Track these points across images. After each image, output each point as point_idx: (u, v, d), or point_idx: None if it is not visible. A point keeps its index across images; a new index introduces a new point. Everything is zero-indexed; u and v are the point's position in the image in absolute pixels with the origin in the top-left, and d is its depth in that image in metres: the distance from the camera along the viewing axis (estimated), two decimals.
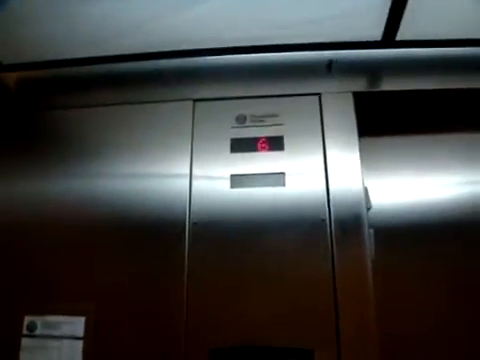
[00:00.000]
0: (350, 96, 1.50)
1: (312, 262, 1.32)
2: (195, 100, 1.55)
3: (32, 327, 1.34)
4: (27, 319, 1.35)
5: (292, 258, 1.32)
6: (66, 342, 1.32)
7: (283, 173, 1.42)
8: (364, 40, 1.53)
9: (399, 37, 1.50)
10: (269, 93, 1.54)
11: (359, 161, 1.42)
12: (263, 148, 1.46)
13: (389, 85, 1.55)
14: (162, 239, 1.38)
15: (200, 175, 1.44)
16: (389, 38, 1.50)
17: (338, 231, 1.34)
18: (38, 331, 1.34)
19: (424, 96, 1.56)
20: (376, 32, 1.49)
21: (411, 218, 1.58)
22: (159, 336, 1.29)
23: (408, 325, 1.46)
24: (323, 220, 1.35)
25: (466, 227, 1.57)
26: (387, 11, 1.40)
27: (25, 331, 1.34)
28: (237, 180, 1.42)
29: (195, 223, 1.38)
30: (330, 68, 1.57)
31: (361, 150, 1.43)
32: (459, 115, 1.66)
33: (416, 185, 1.64)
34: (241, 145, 1.47)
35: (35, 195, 1.50)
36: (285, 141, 1.46)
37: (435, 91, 1.52)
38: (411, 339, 1.45)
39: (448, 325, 1.47)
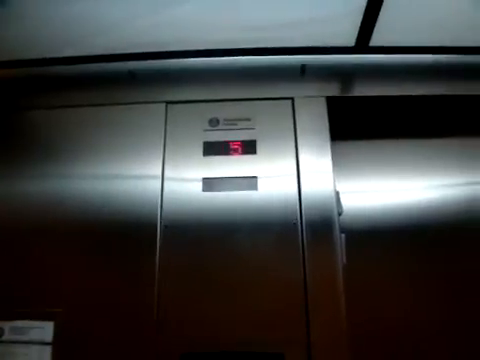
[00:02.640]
0: (323, 100, 1.51)
1: (283, 266, 1.32)
2: (168, 102, 1.54)
3: (0, 333, 1.31)
4: None
5: (263, 261, 1.33)
6: (34, 347, 1.30)
7: (255, 177, 1.42)
8: (337, 45, 1.54)
9: (372, 43, 1.51)
10: (242, 96, 1.54)
11: (331, 165, 1.43)
12: (236, 152, 1.46)
13: (362, 90, 1.56)
14: (133, 242, 1.38)
15: (172, 178, 1.44)
16: (362, 44, 1.51)
17: (309, 235, 1.35)
18: (5, 337, 1.31)
19: (396, 101, 1.58)
20: (349, 38, 1.50)
21: (383, 221, 1.60)
22: (130, 341, 1.28)
23: (378, 328, 1.48)
24: (295, 224, 1.36)
25: (435, 230, 1.59)
26: (360, 17, 1.41)
27: None
28: (209, 183, 1.42)
29: (166, 226, 1.38)
30: (303, 72, 1.57)
31: (333, 154, 1.44)
32: (429, 120, 1.69)
33: (387, 188, 1.66)
34: (214, 148, 1.47)
35: (3, 196, 1.47)
36: (258, 145, 1.47)
37: (406, 97, 1.54)
38: (382, 342, 1.47)
39: (420, 327, 1.49)
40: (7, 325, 1.32)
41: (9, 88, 1.65)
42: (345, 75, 1.60)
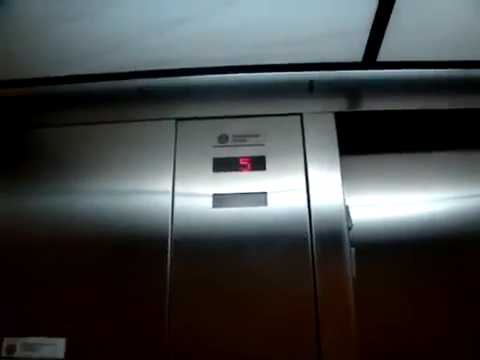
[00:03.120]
0: (331, 116, 1.52)
1: (294, 280, 1.33)
2: (178, 119, 1.56)
3: (11, 349, 1.32)
4: (6, 341, 1.33)
5: (274, 275, 1.33)
6: None
7: (265, 193, 1.43)
8: (345, 61, 1.55)
9: (380, 58, 1.52)
10: (251, 113, 1.55)
11: (340, 180, 1.43)
12: (245, 168, 1.47)
13: (370, 105, 1.57)
14: (144, 257, 1.38)
15: (182, 193, 1.45)
16: (370, 59, 1.52)
17: (319, 249, 1.35)
18: (17, 353, 1.32)
19: (404, 116, 1.59)
20: (357, 53, 1.52)
21: (392, 235, 1.60)
22: (141, 355, 1.28)
23: (389, 342, 1.47)
24: (305, 238, 1.36)
25: (445, 243, 1.59)
26: (368, 33, 1.42)
27: (4, 353, 1.32)
28: (219, 199, 1.43)
29: (177, 241, 1.39)
30: (311, 88, 1.58)
31: (342, 169, 1.45)
32: (439, 135, 1.69)
33: (396, 202, 1.66)
34: (223, 164, 1.48)
35: (15, 213, 1.49)
36: (267, 161, 1.48)
37: (414, 111, 1.55)
38: (392, 356, 1.46)
39: (431, 341, 1.48)
40: (19, 341, 1.33)
41: (20, 106, 1.67)
42: (353, 90, 1.61)
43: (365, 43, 1.47)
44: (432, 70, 1.57)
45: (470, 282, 1.54)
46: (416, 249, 1.58)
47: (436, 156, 1.71)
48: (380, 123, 1.62)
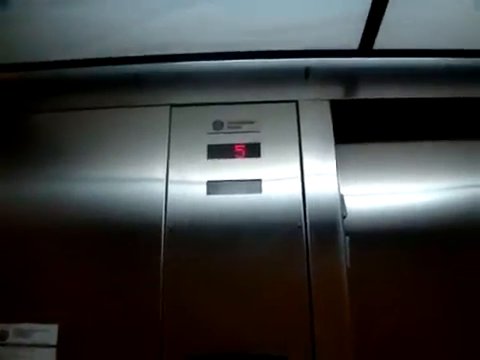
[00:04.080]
0: (327, 104, 1.51)
1: (288, 268, 1.32)
2: (172, 105, 1.54)
3: (3, 335, 1.31)
4: None
5: (268, 264, 1.33)
6: (38, 351, 1.30)
7: (260, 180, 1.42)
8: (341, 48, 1.54)
9: (376, 46, 1.52)
10: (246, 100, 1.54)
11: (335, 168, 1.43)
12: (240, 155, 1.46)
13: (366, 93, 1.56)
14: (137, 244, 1.38)
15: (176, 181, 1.44)
16: (366, 47, 1.51)
17: (314, 238, 1.35)
18: (9, 339, 1.31)
19: (400, 104, 1.58)
20: (353, 41, 1.51)
21: (386, 224, 1.59)
22: (134, 343, 1.28)
23: (384, 331, 1.48)
24: (299, 227, 1.36)
25: (441, 233, 1.58)
26: (364, 20, 1.41)
27: None
28: (213, 186, 1.42)
29: (171, 229, 1.38)
30: (307, 76, 1.57)
31: (337, 157, 1.44)
32: (435, 124, 1.68)
33: (391, 191, 1.65)
34: (218, 151, 1.47)
35: (8, 199, 1.47)
36: (262, 148, 1.47)
37: (411, 100, 1.55)
38: (387, 346, 1.46)
39: (425, 329, 1.48)
40: (11, 327, 1.32)
41: (15, 91, 1.65)
42: (349, 78, 1.60)
43: (362, 30, 1.45)
44: (429, 58, 1.57)
45: (465, 272, 1.54)
46: (411, 239, 1.57)
47: (432, 145, 1.70)
48: (376, 111, 1.61)
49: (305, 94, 1.54)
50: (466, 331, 1.48)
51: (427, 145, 1.70)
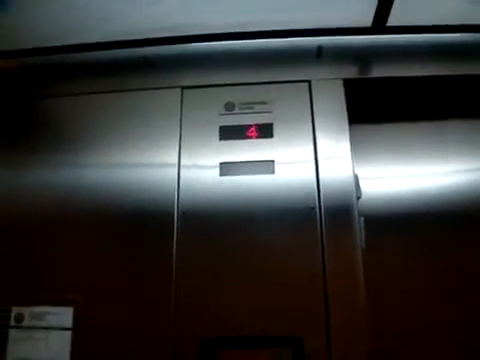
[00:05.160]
0: (340, 83, 1.49)
1: (301, 251, 1.31)
2: (183, 87, 1.53)
3: (20, 318, 1.32)
4: (15, 310, 1.33)
5: (281, 247, 1.32)
6: (54, 333, 1.31)
7: (272, 161, 1.41)
8: (354, 26, 1.51)
9: (390, 23, 1.48)
10: (258, 80, 1.52)
11: (349, 149, 1.41)
12: (252, 135, 1.45)
13: (380, 72, 1.53)
14: (150, 229, 1.37)
15: (189, 164, 1.43)
16: (379, 24, 1.48)
17: (328, 219, 1.33)
18: (25, 322, 1.32)
19: (415, 83, 1.54)
20: (366, 18, 1.47)
21: (402, 207, 1.56)
22: (148, 326, 1.28)
23: (398, 313, 1.45)
24: (313, 208, 1.34)
25: (459, 217, 1.54)
26: None
27: (12, 322, 1.32)
28: (226, 168, 1.41)
29: (184, 212, 1.37)
30: (320, 55, 1.55)
31: (351, 137, 1.42)
32: (452, 101, 1.64)
33: (407, 173, 1.62)
34: (230, 132, 1.46)
35: (20, 186, 1.47)
36: (274, 128, 1.45)
37: (426, 77, 1.51)
38: (401, 327, 1.44)
39: (440, 314, 1.46)
40: (27, 310, 1.33)
41: (23, 77, 1.65)
42: (362, 56, 1.57)
43: (375, 7, 1.41)
44: (446, 34, 1.53)
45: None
46: (426, 223, 1.54)
47: (449, 125, 1.65)
48: (391, 90, 1.58)
49: (318, 73, 1.51)
50: None
51: (447, 124, 1.65)
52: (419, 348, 1.42)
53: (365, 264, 1.29)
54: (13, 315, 1.33)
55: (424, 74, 1.51)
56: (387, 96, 1.61)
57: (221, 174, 1.40)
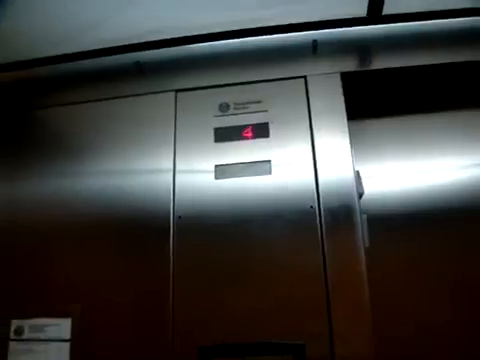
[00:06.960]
0: (337, 77, 1.44)
1: (301, 253, 1.26)
2: (177, 90, 1.51)
3: (19, 331, 1.32)
4: (14, 323, 1.33)
5: (280, 249, 1.27)
6: (53, 345, 1.30)
7: (269, 161, 1.37)
8: (349, 17, 1.46)
9: (386, 11, 1.43)
10: (252, 79, 1.49)
11: (349, 145, 1.35)
12: (248, 136, 1.41)
13: (379, 63, 1.47)
14: (146, 235, 1.35)
15: (184, 168, 1.41)
16: (375, 13, 1.43)
17: (328, 219, 1.28)
18: (25, 335, 1.32)
19: (416, 73, 1.48)
20: (361, 8, 1.42)
21: (404, 204, 1.52)
22: (147, 334, 1.26)
23: (404, 316, 1.40)
24: (312, 207, 1.29)
25: (461, 213, 1.49)
26: None
27: (13, 335, 1.32)
28: (222, 170, 1.38)
29: (180, 217, 1.35)
30: (315, 49, 1.50)
31: (351, 134, 1.37)
32: (454, 91, 1.58)
33: (410, 169, 1.56)
34: (225, 134, 1.43)
35: (16, 196, 1.48)
36: (270, 128, 1.41)
37: (427, 66, 1.45)
38: (406, 331, 1.39)
39: (445, 315, 1.41)
40: (26, 323, 1.33)
41: (17, 89, 1.66)
42: (359, 48, 1.51)
43: None
44: (445, 20, 1.46)
45: None
46: (428, 220, 1.50)
47: (454, 116, 1.59)
48: (391, 82, 1.52)
49: (314, 68, 1.47)
50: None
51: (449, 116, 1.59)
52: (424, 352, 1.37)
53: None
54: (13, 328, 1.33)
55: (425, 63, 1.44)
56: (387, 89, 1.56)
57: (216, 177, 1.37)
